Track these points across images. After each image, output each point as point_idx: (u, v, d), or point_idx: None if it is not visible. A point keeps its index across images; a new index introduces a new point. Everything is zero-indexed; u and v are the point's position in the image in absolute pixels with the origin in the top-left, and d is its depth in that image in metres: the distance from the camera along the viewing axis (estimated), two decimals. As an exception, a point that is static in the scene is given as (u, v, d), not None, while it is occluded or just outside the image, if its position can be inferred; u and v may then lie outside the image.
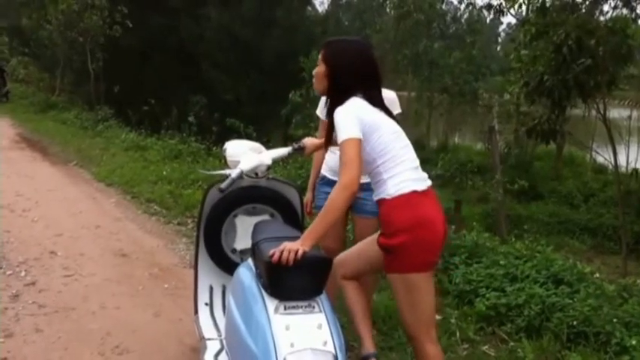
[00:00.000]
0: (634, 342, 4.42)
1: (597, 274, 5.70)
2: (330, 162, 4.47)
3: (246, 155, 3.88)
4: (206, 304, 4.23)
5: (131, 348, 4.64)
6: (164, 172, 10.34)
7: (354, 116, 3.23)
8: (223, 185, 3.59)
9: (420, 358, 3.36)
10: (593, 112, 10.21)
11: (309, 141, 4.08)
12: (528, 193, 14.35)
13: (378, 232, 3.34)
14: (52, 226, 7.61)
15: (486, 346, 4.74)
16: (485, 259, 5.81)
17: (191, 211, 8.29)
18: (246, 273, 3.42)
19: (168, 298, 5.62)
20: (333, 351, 2.86)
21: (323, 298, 3.05)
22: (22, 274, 6.02)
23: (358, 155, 3.14)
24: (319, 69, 3.45)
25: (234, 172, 3.68)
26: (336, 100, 3.35)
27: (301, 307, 2.99)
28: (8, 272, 6.04)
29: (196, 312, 4.20)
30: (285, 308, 2.97)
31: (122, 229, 7.66)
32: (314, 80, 3.51)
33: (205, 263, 4.20)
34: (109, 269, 6.26)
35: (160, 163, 11.37)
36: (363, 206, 4.35)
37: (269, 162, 3.92)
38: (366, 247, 3.49)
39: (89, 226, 7.73)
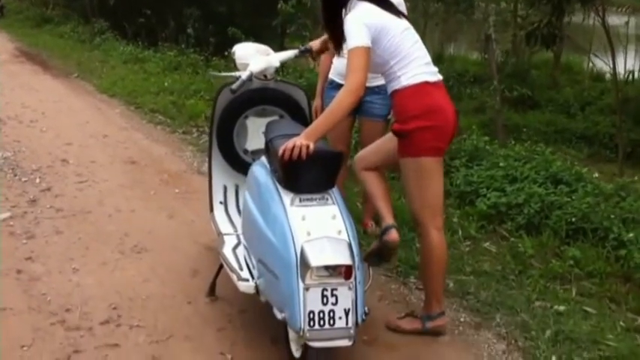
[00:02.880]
0: (631, 235, 4.64)
1: (596, 174, 5.90)
2: (338, 66, 4.62)
3: (254, 57, 4.01)
4: (220, 202, 4.41)
5: (149, 247, 4.86)
6: (165, 84, 10.38)
7: (362, 23, 3.36)
8: (234, 86, 3.74)
9: (425, 244, 3.62)
10: (593, 19, 10.15)
11: (315, 43, 4.20)
12: (526, 102, 14.35)
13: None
14: (61, 136, 7.76)
15: (487, 243, 4.96)
16: (485, 161, 5.98)
17: (195, 121, 8.44)
18: (260, 170, 3.61)
19: (179, 201, 5.83)
20: (347, 239, 3.06)
21: (335, 192, 3.26)
22: (37, 180, 6.21)
23: (366, 63, 3.31)
24: None
25: (244, 74, 3.82)
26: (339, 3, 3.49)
27: (315, 199, 3.19)
28: (23, 179, 6.22)
29: (212, 210, 4.39)
30: (300, 200, 3.17)
31: (129, 138, 7.82)
32: None
33: (219, 164, 4.36)
34: (120, 175, 6.46)
35: (160, 74, 11.39)
36: (371, 109, 4.53)
37: (277, 64, 4.06)
38: (383, 142, 3.73)
39: (97, 135, 7.88)
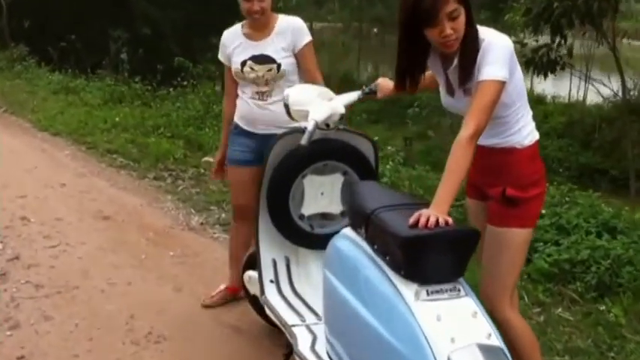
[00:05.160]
0: None
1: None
2: (242, 109, 4.03)
3: (314, 103, 3.31)
4: (271, 281, 3.62)
5: (166, 334, 4.02)
6: (116, 119, 9.42)
7: (510, 52, 2.68)
8: (304, 141, 3.09)
9: (510, 335, 2.87)
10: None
11: (383, 82, 3.45)
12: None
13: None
14: (10, 186, 6.74)
15: (559, 309, 4.32)
16: (519, 207, 5.41)
17: (164, 163, 7.53)
18: (351, 247, 2.83)
19: (179, 268, 4.98)
20: (500, 344, 2.34)
21: (463, 280, 2.51)
22: (-1, 246, 5.24)
23: (497, 102, 2.62)
24: (458, 23, 2.62)
25: (309, 125, 3.15)
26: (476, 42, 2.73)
27: (446, 291, 2.42)
28: (-20, 245, 5.24)
29: (263, 292, 3.59)
30: (427, 294, 2.40)
31: (92, 187, 6.87)
32: (451, 39, 2.62)
33: (266, 233, 3.58)
34: (96, 236, 5.55)
35: (104, 107, 10.40)
36: None
37: (342, 110, 3.35)
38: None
39: (53, 184, 6.89)
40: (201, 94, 10.48)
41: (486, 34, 2.70)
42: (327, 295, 3.03)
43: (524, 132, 2.83)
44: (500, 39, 2.69)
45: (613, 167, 13.31)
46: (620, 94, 13.28)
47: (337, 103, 3.36)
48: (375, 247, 2.65)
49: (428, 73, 2.97)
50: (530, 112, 2.89)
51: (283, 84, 3.85)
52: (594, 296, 4.38)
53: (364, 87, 3.53)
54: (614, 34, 8.57)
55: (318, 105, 3.29)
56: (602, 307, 4.22)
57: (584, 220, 5.04)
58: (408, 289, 2.42)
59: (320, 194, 3.50)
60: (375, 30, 21.11)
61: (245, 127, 4.01)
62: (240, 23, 3.99)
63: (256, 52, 3.87)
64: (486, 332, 2.35)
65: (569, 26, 7.82)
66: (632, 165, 9.00)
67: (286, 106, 3.44)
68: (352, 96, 3.48)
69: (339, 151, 3.48)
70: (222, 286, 4.40)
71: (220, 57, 4.08)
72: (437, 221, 2.40)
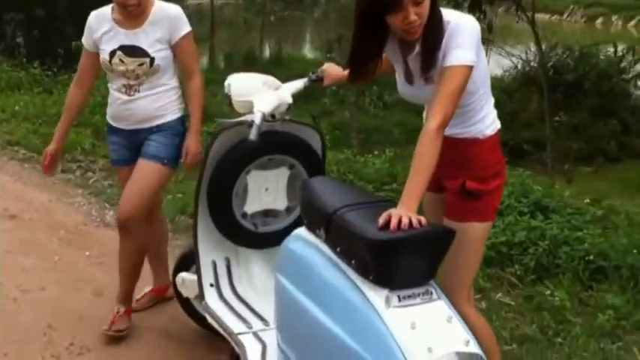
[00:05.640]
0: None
1: (587, 200, 5.37)
2: (110, 105, 3.79)
3: (259, 94, 3.11)
4: (211, 285, 3.39)
5: (89, 344, 3.73)
6: (16, 107, 8.83)
7: (478, 34, 2.54)
8: (252, 135, 2.89)
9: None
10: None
11: (330, 69, 3.29)
12: (375, 104, 14.01)
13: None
14: None
15: (499, 294, 4.24)
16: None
17: (71, 154, 7.02)
18: (306, 250, 2.65)
19: (98, 269, 4.65)
20: (479, 351, 2.20)
21: (434, 282, 2.35)
22: None
23: (463, 89, 2.47)
24: (423, 7, 2.43)
25: (256, 117, 2.94)
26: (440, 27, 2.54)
27: (418, 295, 2.27)
28: None
29: (203, 297, 3.34)
30: (399, 299, 2.23)
31: (-5, 183, 6.40)
32: (415, 25, 2.44)
33: (205, 233, 3.35)
34: (3, 237, 5.12)
35: (1, 95, 9.74)
36: (147, 148, 3.70)
37: (290, 100, 3.18)
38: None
39: (-51, 181, 6.39)
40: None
41: (450, 15, 2.55)
42: (280, 300, 2.83)
43: (487, 121, 2.70)
44: (467, 20, 2.56)
45: (512, 139, 13.52)
46: (519, 66, 13.60)
47: (284, 92, 3.19)
48: (338, 250, 2.47)
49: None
50: (493, 99, 2.76)
51: (156, 79, 3.61)
52: (533, 279, 4.32)
53: (311, 73, 3.34)
54: (533, 9, 8.62)
55: (263, 95, 3.10)
56: (547, 292, 4.13)
57: (516, 200, 4.97)
58: (378, 296, 2.25)
59: (264, 190, 3.32)
60: (275, 8, 20.77)
61: (113, 124, 3.78)
62: (111, 5, 3.62)
63: (127, 43, 3.56)
64: (464, 339, 2.21)
65: (489, 1, 7.83)
66: (549, 138, 9.08)
67: (227, 97, 3.22)
68: (299, 84, 3.30)
69: (287, 144, 3.29)
70: (147, 289, 4.13)
71: (85, 41, 3.72)
72: (410, 222, 2.23)
